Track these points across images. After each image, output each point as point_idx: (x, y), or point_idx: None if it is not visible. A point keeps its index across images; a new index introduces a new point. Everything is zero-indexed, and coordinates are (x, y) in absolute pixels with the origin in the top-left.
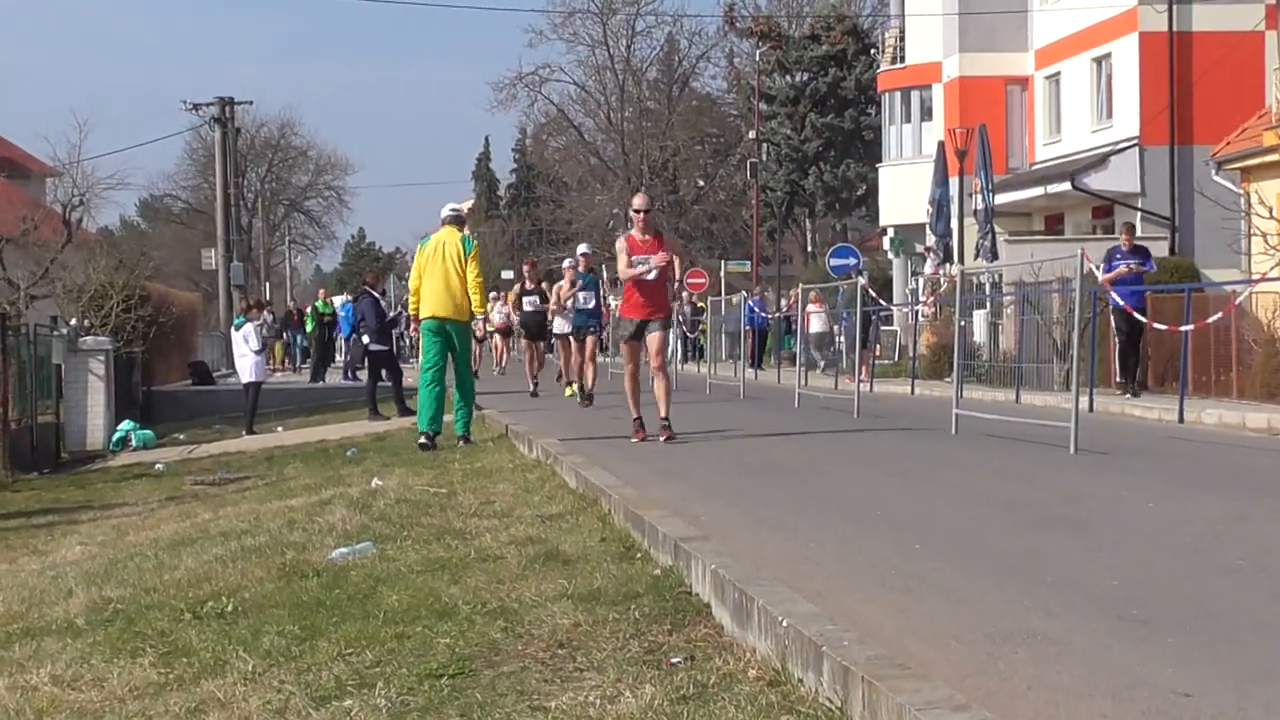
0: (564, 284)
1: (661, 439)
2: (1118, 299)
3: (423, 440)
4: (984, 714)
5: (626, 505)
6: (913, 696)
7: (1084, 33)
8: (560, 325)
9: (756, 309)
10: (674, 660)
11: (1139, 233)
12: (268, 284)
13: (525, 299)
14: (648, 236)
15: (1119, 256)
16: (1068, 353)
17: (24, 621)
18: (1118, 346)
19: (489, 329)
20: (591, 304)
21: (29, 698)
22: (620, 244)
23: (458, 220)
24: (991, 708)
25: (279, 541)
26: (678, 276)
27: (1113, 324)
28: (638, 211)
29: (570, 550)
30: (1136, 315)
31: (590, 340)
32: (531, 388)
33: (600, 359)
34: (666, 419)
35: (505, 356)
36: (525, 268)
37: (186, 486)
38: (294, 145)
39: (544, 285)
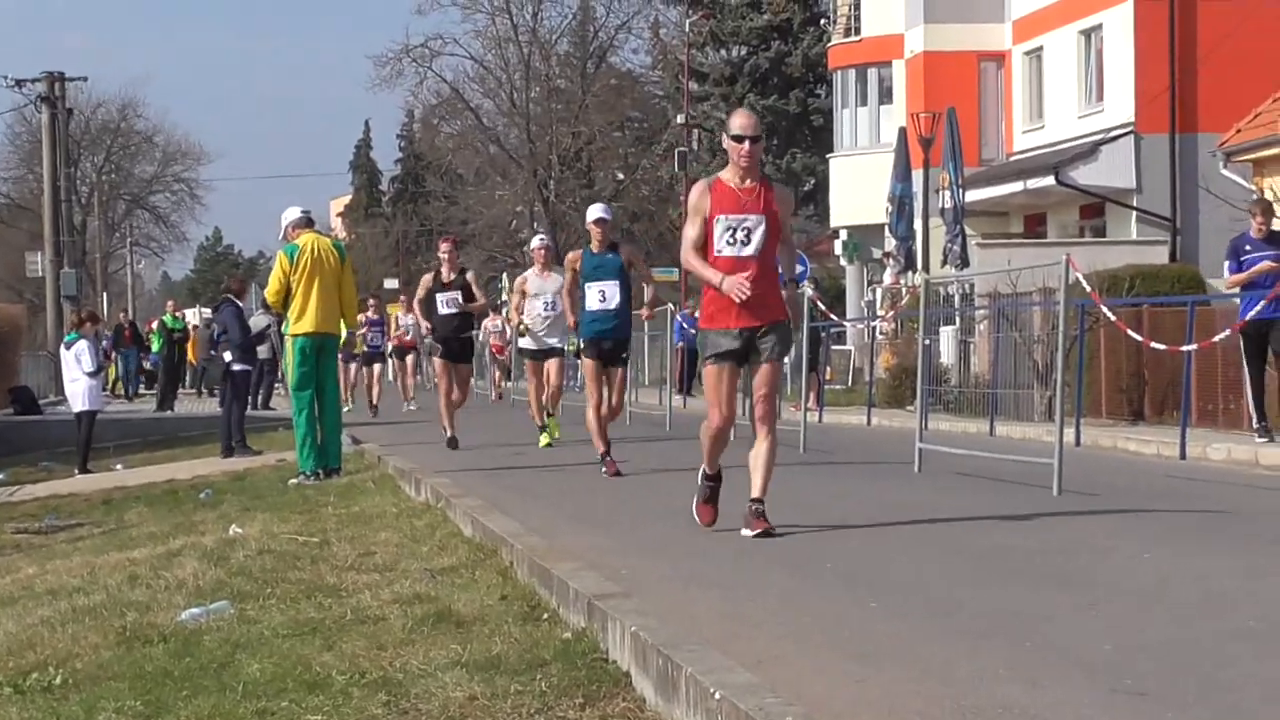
0: (531, 276)
1: (751, 532)
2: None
3: (310, 479)
4: None
5: (532, 557)
6: None
7: (1070, 0)
8: (530, 339)
9: (686, 325)
10: None
11: (1134, 235)
12: (105, 294)
13: (440, 297)
14: (750, 183)
15: (1250, 249)
16: (1050, 377)
17: None
18: (1250, 376)
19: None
20: (615, 302)
21: None
22: (699, 193)
23: (312, 223)
24: None
25: (118, 601)
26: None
27: (1241, 347)
28: (739, 139)
29: (465, 610)
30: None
31: (620, 371)
32: (448, 432)
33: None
34: (762, 500)
35: (411, 383)
36: (442, 250)
37: (6, 535)
38: (137, 130)
39: (469, 277)
